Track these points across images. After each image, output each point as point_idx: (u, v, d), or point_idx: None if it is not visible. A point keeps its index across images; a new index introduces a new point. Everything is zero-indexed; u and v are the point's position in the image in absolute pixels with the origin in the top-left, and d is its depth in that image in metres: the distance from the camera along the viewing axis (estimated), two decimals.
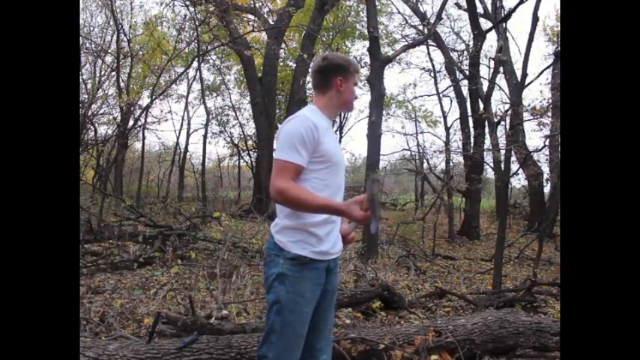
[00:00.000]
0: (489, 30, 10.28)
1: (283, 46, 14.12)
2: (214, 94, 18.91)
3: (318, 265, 1.85)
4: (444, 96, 15.57)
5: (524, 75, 6.42)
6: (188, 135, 18.14)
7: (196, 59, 12.02)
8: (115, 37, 13.36)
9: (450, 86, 14.54)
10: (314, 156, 1.82)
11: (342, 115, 18.00)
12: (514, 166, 8.72)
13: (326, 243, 1.87)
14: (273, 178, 1.77)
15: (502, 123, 9.81)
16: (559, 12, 13.45)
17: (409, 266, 6.88)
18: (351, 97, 1.98)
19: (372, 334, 2.98)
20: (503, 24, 11.52)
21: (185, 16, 10.12)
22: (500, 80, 12.38)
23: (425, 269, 7.00)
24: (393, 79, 53.21)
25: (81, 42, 11.67)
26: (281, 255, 1.83)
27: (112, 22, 13.35)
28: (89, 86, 14.39)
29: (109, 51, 13.71)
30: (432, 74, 15.18)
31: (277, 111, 14.13)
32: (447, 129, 14.60)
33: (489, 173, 14.37)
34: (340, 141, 17.23)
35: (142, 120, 15.11)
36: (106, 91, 14.96)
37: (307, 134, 1.78)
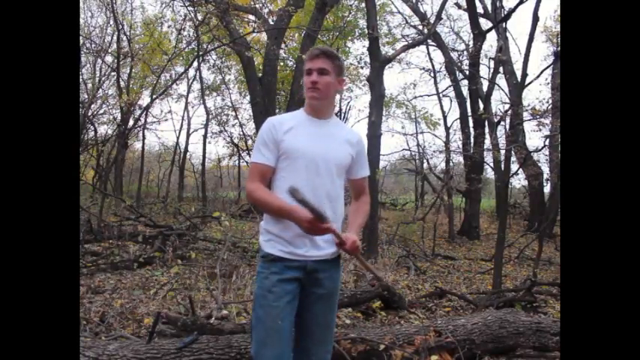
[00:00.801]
0: (489, 30, 10.29)
1: (283, 46, 14.11)
2: (214, 94, 18.93)
3: (288, 263, 1.84)
4: (444, 96, 15.59)
5: (524, 75, 6.42)
6: (188, 135, 18.18)
7: (196, 59, 12.02)
8: (115, 37, 13.37)
9: (450, 86, 14.55)
10: (279, 154, 1.87)
11: (343, 114, 18.01)
12: (514, 166, 8.72)
13: (300, 246, 1.84)
14: (246, 182, 1.91)
15: (502, 123, 9.82)
16: (558, 13, 13.46)
17: (409, 266, 6.88)
18: (307, 89, 1.91)
19: (372, 334, 2.98)
20: (503, 24, 11.52)
21: (185, 15, 10.13)
22: (500, 80, 12.40)
23: (425, 269, 7.00)
24: (393, 79, 53.27)
25: (81, 42, 11.68)
26: (259, 254, 1.93)
27: (112, 22, 13.36)
28: (89, 86, 14.40)
29: (109, 51, 13.72)
30: (432, 74, 15.20)
31: (277, 111, 14.11)
32: (447, 129, 14.61)
33: (489, 173, 14.38)
34: None
35: (142, 120, 15.14)
36: (106, 91, 14.99)
37: (267, 134, 1.87)
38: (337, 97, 2.14)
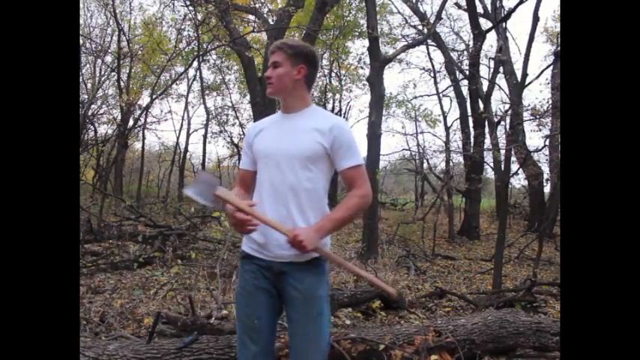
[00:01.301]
0: (489, 30, 10.29)
1: None
2: (214, 94, 18.92)
3: (257, 261, 1.83)
4: (444, 96, 15.59)
5: (524, 75, 6.44)
6: (188, 135, 18.17)
7: (196, 59, 12.02)
8: (115, 37, 13.38)
9: (450, 86, 14.55)
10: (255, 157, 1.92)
11: (342, 114, 18.00)
12: (514, 166, 8.72)
13: (266, 246, 1.80)
14: None
15: (502, 123, 9.82)
16: (558, 13, 13.46)
17: (409, 266, 6.88)
18: None
19: (372, 334, 2.98)
20: (503, 24, 11.52)
21: (185, 15, 10.13)
22: (500, 80, 12.40)
23: (425, 269, 7.00)
24: (392, 79, 53.25)
25: (81, 42, 11.68)
26: None
27: (112, 22, 13.37)
28: (89, 86, 14.40)
29: (109, 51, 13.73)
30: (432, 74, 15.19)
31: (277, 111, 14.05)
32: (447, 129, 14.62)
33: (489, 173, 14.37)
34: None
35: (142, 120, 15.15)
36: (106, 91, 15.00)
37: (245, 140, 1.98)
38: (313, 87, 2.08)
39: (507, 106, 9.47)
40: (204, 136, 17.71)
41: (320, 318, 1.79)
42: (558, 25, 12.77)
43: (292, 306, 1.80)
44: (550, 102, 7.54)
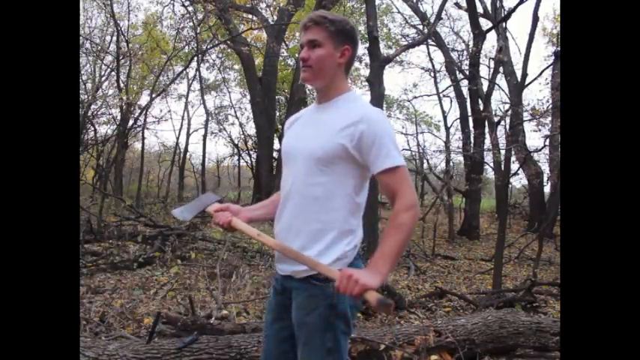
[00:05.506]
0: (489, 30, 10.29)
1: (284, 45, 14.13)
2: (214, 94, 18.95)
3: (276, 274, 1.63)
4: (444, 96, 15.59)
5: (524, 75, 6.45)
6: (188, 135, 18.17)
7: (195, 58, 12.02)
8: (114, 38, 13.38)
9: (450, 86, 14.55)
10: None
11: None
12: (514, 166, 8.72)
13: (276, 257, 1.59)
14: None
15: (502, 123, 9.82)
16: (558, 13, 13.45)
17: (409, 266, 6.88)
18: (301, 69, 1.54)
19: (372, 334, 2.98)
20: (503, 24, 11.53)
21: (183, 15, 10.14)
22: (501, 80, 12.41)
23: (425, 269, 7.00)
24: (393, 79, 53.30)
25: (81, 42, 11.68)
26: None
27: (111, 23, 13.36)
28: (89, 86, 14.40)
29: (108, 51, 13.72)
30: (432, 74, 15.19)
31: (277, 111, 14.11)
32: (447, 129, 14.62)
33: (489, 173, 14.37)
34: None
35: (142, 120, 15.15)
36: (105, 91, 14.99)
37: None
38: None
39: (507, 106, 9.48)
40: (204, 136, 17.72)
41: (316, 350, 1.43)
42: (558, 25, 12.77)
43: (295, 327, 1.50)
44: (550, 102, 7.54)
